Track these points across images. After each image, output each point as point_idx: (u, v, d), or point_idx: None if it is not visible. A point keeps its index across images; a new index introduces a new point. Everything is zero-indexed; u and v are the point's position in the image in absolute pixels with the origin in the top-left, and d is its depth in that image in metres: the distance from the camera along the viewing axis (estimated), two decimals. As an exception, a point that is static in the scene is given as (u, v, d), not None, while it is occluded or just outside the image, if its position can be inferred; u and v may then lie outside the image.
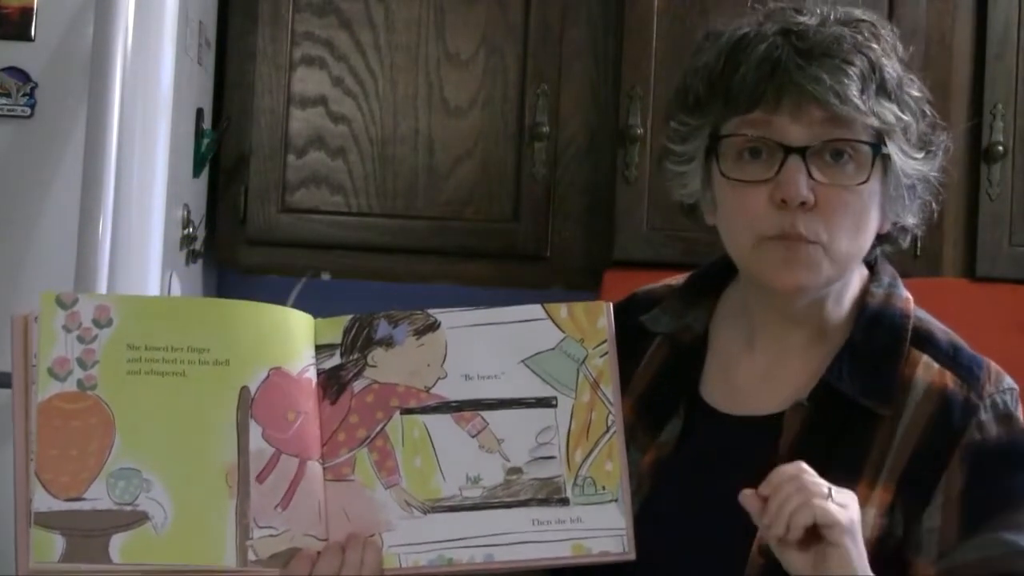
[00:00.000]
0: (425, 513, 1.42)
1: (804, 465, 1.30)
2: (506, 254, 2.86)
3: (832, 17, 1.41)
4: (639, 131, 2.79)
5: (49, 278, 2.32)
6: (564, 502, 1.41)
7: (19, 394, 1.39)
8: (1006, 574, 1.34)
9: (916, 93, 1.42)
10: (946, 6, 2.76)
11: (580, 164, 2.89)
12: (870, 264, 1.49)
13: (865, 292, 1.46)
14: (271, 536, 1.39)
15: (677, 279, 1.57)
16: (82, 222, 2.23)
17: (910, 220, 1.45)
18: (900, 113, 1.39)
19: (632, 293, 1.60)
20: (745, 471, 1.38)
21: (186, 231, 2.63)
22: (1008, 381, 1.43)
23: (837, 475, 1.35)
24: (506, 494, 1.42)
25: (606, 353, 1.43)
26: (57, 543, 1.36)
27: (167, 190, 2.40)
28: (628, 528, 1.40)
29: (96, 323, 1.40)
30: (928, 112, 1.43)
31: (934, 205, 1.46)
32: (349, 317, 1.45)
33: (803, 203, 1.37)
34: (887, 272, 1.49)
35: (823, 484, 1.28)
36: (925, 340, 1.44)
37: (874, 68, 1.38)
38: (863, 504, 1.35)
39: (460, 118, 2.88)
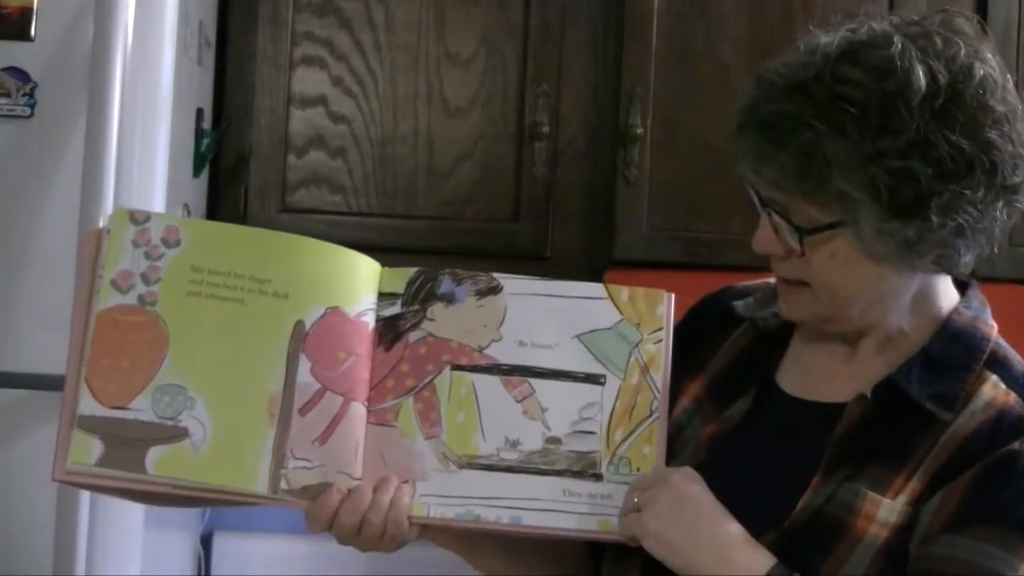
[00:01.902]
0: (461, 468, 1.43)
1: (682, 488, 1.38)
2: (506, 254, 2.86)
3: (828, 55, 1.37)
4: (639, 131, 2.79)
5: (49, 278, 2.32)
6: (598, 477, 1.43)
7: (81, 305, 1.42)
8: None
9: (894, 163, 1.33)
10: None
11: (580, 164, 2.89)
12: (963, 285, 1.50)
13: (953, 310, 1.46)
14: (305, 468, 1.41)
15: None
16: (82, 222, 2.24)
17: (931, 260, 1.39)
18: (851, 191, 1.35)
19: (728, 285, 1.63)
20: (795, 452, 1.42)
21: (186, 231, 2.62)
22: None
23: (877, 466, 1.38)
24: (542, 461, 1.43)
25: (660, 340, 1.46)
26: (95, 447, 1.39)
27: (167, 190, 2.40)
28: None
29: (164, 242, 1.43)
30: (920, 173, 1.33)
31: (961, 247, 1.38)
32: (415, 269, 1.48)
33: (776, 255, 1.41)
34: (977, 297, 1.49)
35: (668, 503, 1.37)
36: (1000, 363, 1.44)
37: (813, 149, 1.34)
38: (896, 494, 1.37)
39: (460, 118, 2.88)
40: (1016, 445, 1.38)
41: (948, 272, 1.43)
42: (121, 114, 2.26)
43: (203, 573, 3.06)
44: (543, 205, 2.87)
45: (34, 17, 2.36)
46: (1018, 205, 1.39)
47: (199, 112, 2.73)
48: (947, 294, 1.48)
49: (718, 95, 2.83)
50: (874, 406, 1.41)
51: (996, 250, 1.42)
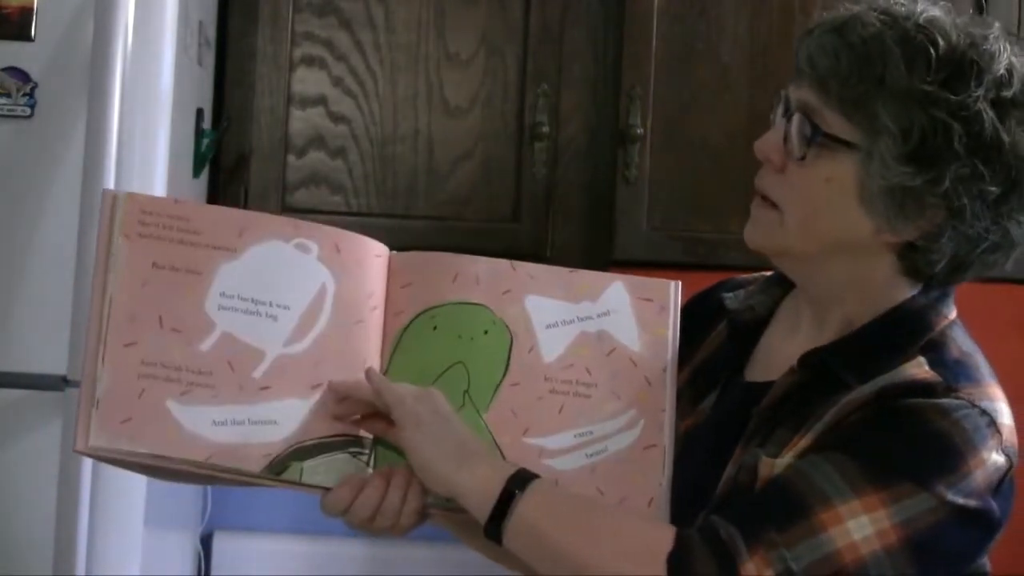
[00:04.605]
0: None
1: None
2: (506, 254, 2.83)
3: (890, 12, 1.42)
4: (639, 131, 2.79)
5: (49, 278, 2.32)
6: None
7: (98, 286, 1.41)
8: (796, 499, 1.32)
9: (939, 114, 1.36)
10: (945, 6, 2.76)
11: (580, 164, 2.89)
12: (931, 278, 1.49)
13: (908, 299, 1.45)
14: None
15: (772, 272, 1.60)
16: (82, 223, 2.24)
17: (911, 234, 1.40)
18: (885, 120, 1.37)
19: (727, 278, 1.64)
20: (733, 428, 1.44)
21: (186, 231, 2.62)
22: (999, 415, 1.38)
23: (785, 430, 1.40)
24: None
25: None
26: None
27: (167, 190, 2.40)
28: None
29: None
30: (957, 135, 1.36)
31: (944, 240, 1.39)
32: None
33: (772, 162, 1.42)
34: (938, 288, 1.46)
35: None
36: (933, 348, 1.42)
37: (875, 65, 1.37)
38: (789, 451, 1.37)
39: (460, 118, 2.88)
40: (913, 400, 1.36)
41: (916, 271, 1.43)
42: (121, 114, 2.26)
43: (203, 573, 3.06)
44: (543, 205, 2.87)
45: (34, 17, 2.36)
46: (1003, 250, 1.41)
47: (199, 112, 2.73)
48: (913, 283, 1.46)
49: (718, 95, 2.83)
50: (802, 380, 1.42)
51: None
